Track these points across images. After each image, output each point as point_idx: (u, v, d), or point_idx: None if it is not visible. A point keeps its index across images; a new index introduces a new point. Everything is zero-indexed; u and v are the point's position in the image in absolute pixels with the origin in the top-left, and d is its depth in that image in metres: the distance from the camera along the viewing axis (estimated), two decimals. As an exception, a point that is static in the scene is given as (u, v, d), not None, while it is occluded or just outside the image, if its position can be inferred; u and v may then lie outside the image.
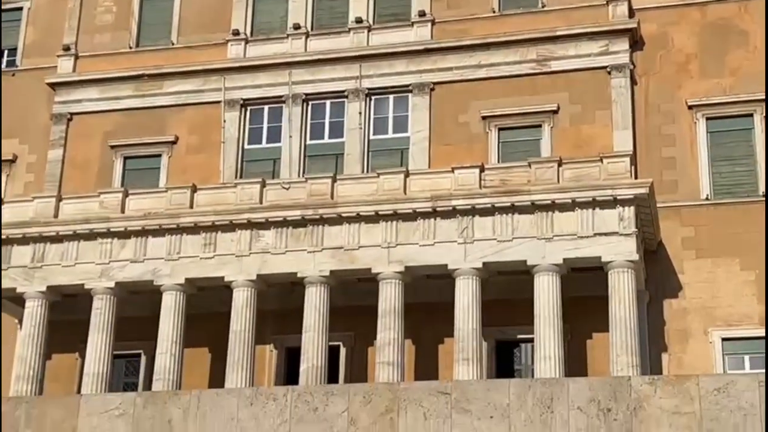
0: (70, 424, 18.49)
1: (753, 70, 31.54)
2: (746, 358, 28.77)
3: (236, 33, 36.10)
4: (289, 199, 30.35)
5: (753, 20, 31.78)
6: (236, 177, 33.65)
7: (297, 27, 35.98)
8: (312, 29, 36.35)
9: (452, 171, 29.58)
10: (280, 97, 34.64)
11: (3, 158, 37.37)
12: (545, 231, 27.74)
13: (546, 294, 27.32)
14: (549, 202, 27.67)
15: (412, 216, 28.66)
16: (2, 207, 32.69)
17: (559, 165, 28.61)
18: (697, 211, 30.75)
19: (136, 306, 30.90)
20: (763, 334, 28.62)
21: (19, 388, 29.91)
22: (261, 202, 29.99)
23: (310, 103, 34.71)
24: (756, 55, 31.78)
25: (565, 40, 33.04)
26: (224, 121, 34.91)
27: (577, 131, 32.27)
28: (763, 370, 25.60)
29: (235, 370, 28.44)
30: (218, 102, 34.90)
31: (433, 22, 34.79)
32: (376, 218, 28.74)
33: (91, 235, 30.67)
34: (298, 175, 32.91)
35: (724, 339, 29.23)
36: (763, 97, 30.92)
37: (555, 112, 32.27)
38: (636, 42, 32.46)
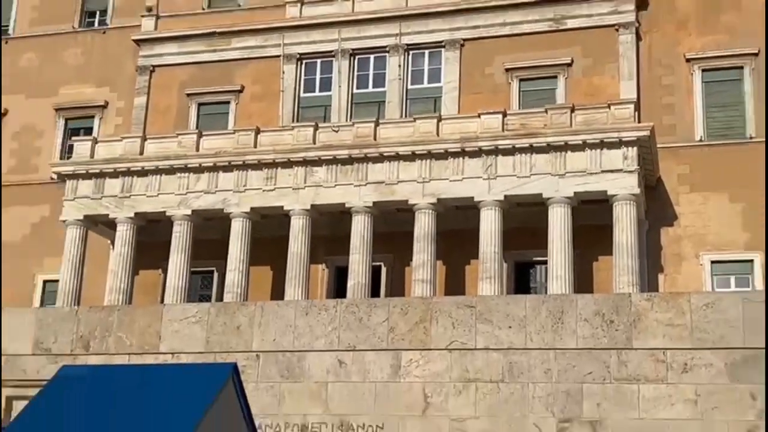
0: (155, 329, 19.32)
1: (744, 28, 31.94)
2: (732, 278, 29.75)
3: None
4: (339, 141, 31.39)
5: (744, -15, 31.84)
6: (293, 121, 34.17)
7: (345, -11, 35.16)
8: (358, -8, 36.51)
9: (479, 116, 30.52)
10: (331, 51, 35.35)
11: (96, 104, 38.32)
12: (559, 168, 28.90)
13: (558, 223, 28.44)
14: (562, 143, 28.90)
15: (444, 155, 29.95)
16: (95, 146, 33.72)
17: (572, 111, 29.53)
18: (692, 152, 31.56)
19: (209, 230, 32.12)
20: (747, 258, 29.88)
21: (111, 298, 31.51)
22: (314, 143, 31.10)
23: (356, 57, 35.42)
24: (747, 15, 32.03)
25: (579, 1, 33.40)
26: (283, 72, 35.72)
27: (588, 82, 32.99)
28: (748, 288, 27.31)
29: (292, 285, 29.75)
30: (278, 56, 35.66)
31: None
32: (412, 157, 29.96)
33: (171, 170, 32.01)
34: (346, 120, 33.47)
35: (713, 262, 30.09)
36: (753, 51, 31.52)
37: (569, 65, 33.01)
38: (642, 3, 32.71)
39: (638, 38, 32.60)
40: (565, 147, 28.67)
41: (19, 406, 17.71)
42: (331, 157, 30.61)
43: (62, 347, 19.53)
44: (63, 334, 19.87)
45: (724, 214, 30.38)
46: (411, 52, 35.08)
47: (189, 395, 7.88)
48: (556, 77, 33.16)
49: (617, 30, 32.72)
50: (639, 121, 29.49)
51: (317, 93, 35.90)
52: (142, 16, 38.18)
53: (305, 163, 30.90)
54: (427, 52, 34.95)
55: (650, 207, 30.60)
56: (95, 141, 33.89)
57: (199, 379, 8.51)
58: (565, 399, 16.63)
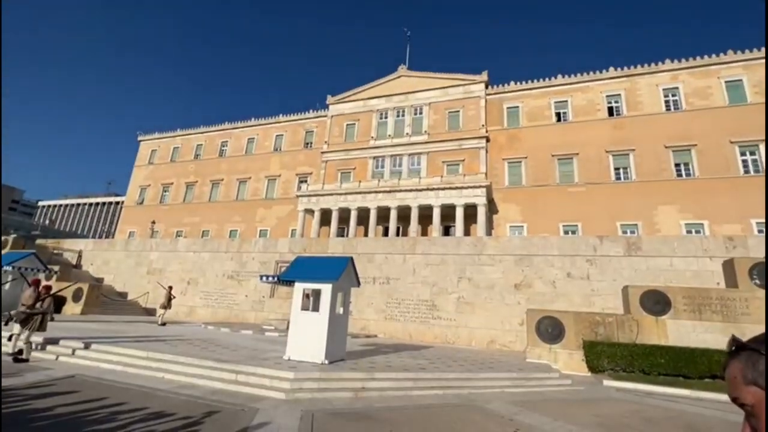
0: (326, 246, 19.68)
1: (521, 149, 28.88)
2: (516, 232, 28.37)
3: (372, 137, 35.70)
4: (385, 185, 28.83)
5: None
6: (371, 178, 31.82)
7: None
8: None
9: (440, 178, 29.02)
10: (383, 155, 32.80)
11: (308, 173, 35.73)
12: (458, 196, 27.31)
13: (459, 214, 26.97)
14: (461, 185, 27.20)
15: (424, 190, 27.94)
16: (307, 186, 31.33)
17: (464, 176, 27.75)
18: (506, 190, 28.89)
19: (344, 214, 30.36)
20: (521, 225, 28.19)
21: (312, 236, 29.86)
22: (378, 185, 29.29)
23: (393, 157, 32.22)
24: (522, 144, 29.13)
25: (464, 139, 30.74)
26: (368, 162, 33.53)
27: (470, 166, 29.92)
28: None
29: (371, 233, 28.07)
30: (366, 157, 33.64)
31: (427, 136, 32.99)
32: (411, 191, 28.16)
33: (331, 194, 30.07)
34: (389, 179, 30.72)
35: (510, 226, 28.50)
36: (525, 156, 28.60)
37: (463, 160, 30.22)
38: (488, 140, 30.14)
39: (486, 151, 30.25)
40: (462, 187, 27.45)
41: (283, 268, 19.81)
42: (383, 190, 29.41)
43: (297, 250, 20.21)
44: (298, 246, 20.65)
45: (513, 211, 28.53)
46: (411, 156, 32.43)
47: (338, 263, 9.15)
48: (459, 164, 30.63)
49: (479, 149, 30.36)
50: (486, 179, 27.94)
51: (379, 169, 33.07)
52: (324, 144, 35.57)
53: (375, 192, 29.70)
54: (416, 156, 32.19)
55: (490, 207, 28.82)
56: (308, 185, 32.37)
57: (341, 260, 9.46)
58: (460, 271, 16.56)
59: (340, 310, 9.23)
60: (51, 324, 12.90)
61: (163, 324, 16.93)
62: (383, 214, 30.34)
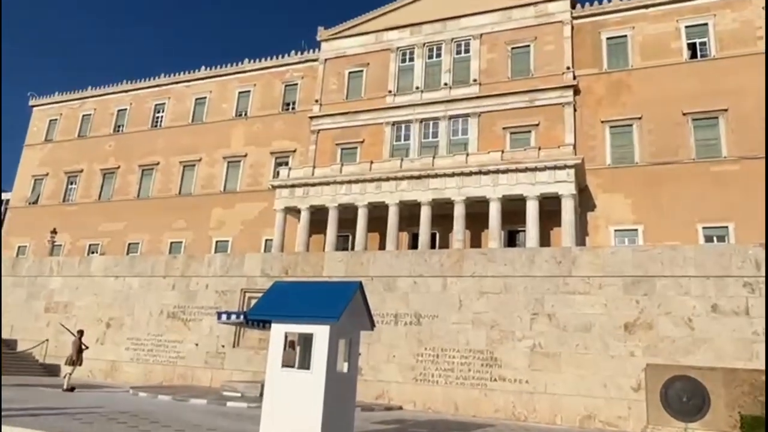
0: (320, 264, 20.76)
1: (632, 103, 29.78)
2: (626, 239, 28.33)
3: (390, 92, 36.01)
4: (413, 167, 30.79)
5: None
6: (390, 157, 33.75)
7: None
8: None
9: (488, 153, 29.98)
10: (410, 120, 34.91)
11: (290, 150, 38.48)
12: (531, 180, 28.09)
13: (531, 210, 27.76)
14: (533, 166, 28.03)
15: (469, 174, 29.29)
16: (290, 171, 33.52)
17: (539, 149, 28.84)
18: (603, 170, 30.13)
19: (347, 213, 32.12)
20: (634, 228, 28.27)
21: (298, 248, 31.91)
22: (401, 168, 30.89)
23: (422, 122, 34.72)
24: (635, 95, 30.12)
25: (541, 91, 32.01)
26: (384, 131, 35.19)
27: (547, 134, 31.49)
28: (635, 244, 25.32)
29: (389, 243, 30.07)
30: (381, 123, 35.69)
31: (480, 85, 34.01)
32: (452, 175, 29.56)
33: (327, 183, 32.45)
34: (418, 156, 32.97)
35: (615, 230, 29.04)
36: (638, 116, 29.45)
37: (537, 125, 31.85)
38: (576, 90, 31.75)
39: (575, 110, 31.63)
40: (535, 169, 28.17)
41: (253, 301, 20.63)
42: (409, 176, 30.59)
43: (274, 272, 21.39)
44: (275, 266, 21.75)
45: (621, 205, 29.41)
46: (452, 120, 34.41)
47: (340, 293, 9.16)
48: (530, 131, 32.12)
49: (563, 106, 31.79)
50: (575, 155, 28.89)
51: (402, 142, 35.33)
52: (313, 105, 38.61)
53: (396, 179, 30.93)
54: (460, 119, 34.15)
55: (581, 200, 29.76)
56: (290, 169, 34.89)
57: (344, 286, 9.68)
58: (535, 302, 17.22)
59: (345, 367, 9.44)
60: None
61: (71, 389, 17.33)
62: (409, 212, 31.29)
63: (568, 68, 32.30)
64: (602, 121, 31.10)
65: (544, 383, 16.40)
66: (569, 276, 17.07)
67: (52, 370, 23.62)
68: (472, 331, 17.67)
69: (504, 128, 32.76)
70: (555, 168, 28.00)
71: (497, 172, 28.96)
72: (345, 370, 9.52)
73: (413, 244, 31.48)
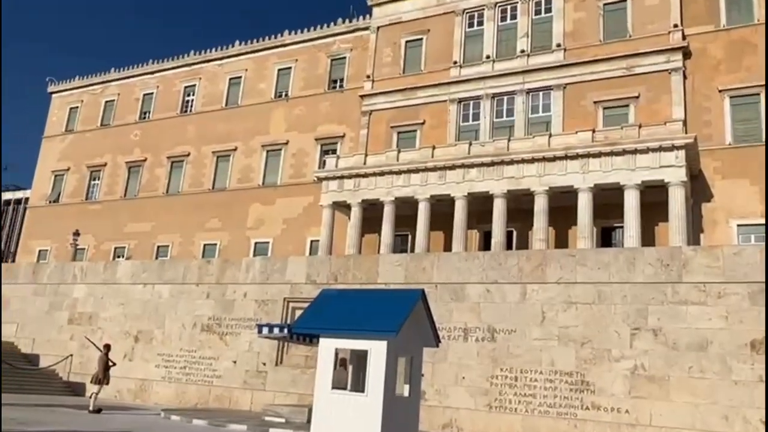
0: (375, 269, 21.18)
1: (758, 66, 29.66)
2: (752, 236, 28.10)
3: (455, 63, 36.56)
4: (485, 152, 30.92)
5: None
6: (456, 141, 34.12)
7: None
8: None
9: (576, 133, 29.92)
10: (479, 96, 35.25)
11: (338, 135, 39.61)
12: (631, 165, 27.97)
13: (631, 201, 27.66)
14: (633, 148, 27.86)
15: (552, 159, 29.38)
16: (338, 160, 34.62)
17: (639, 127, 28.59)
18: (723, 152, 29.86)
19: (405, 209, 32.48)
20: (762, 222, 27.76)
21: (349, 251, 32.84)
22: (469, 154, 31.13)
23: (495, 98, 34.97)
24: (761, 57, 29.68)
25: (642, 55, 31.96)
26: (449, 110, 36.14)
27: (650, 108, 31.24)
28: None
29: (456, 243, 30.25)
30: (445, 101, 36.09)
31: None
32: (532, 161, 29.59)
33: (382, 174, 32.92)
34: (489, 139, 33.19)
35: (738, 225, 28.72)
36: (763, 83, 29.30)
37: (637, 97, 31.76)
38: (687, 53, 31.43)
39: (684, 77, 31.25)
40: (635, 151, 27.84)
41: (297, 312, 20.47)
42: (480, 162, 30.69)
43: (322, 279, 21.85)
44: (322, 271, 22.18)
45: (745, 193, 28.88)
46: (530, 94, 34.57)
47: (399, 303, 9.23)
48: (628, 106, 31.87)
49: (670, 73, 31.45)
50: (686, 133, 28.56)
51: (470, 122, 35.64)
52: (364, 81, 39.36)
53: (463, 166, 31.11)
54: (541, 93, 34.30)
55: (694, 189, 29.36)
56: (338, 157, 35.63)
57: (403, 295, 9.91)
58: (636, 314, 16.92)
59: (405, 390, 9.47)
60: None
61: (97, 411, 17.92)
62: (480, 206, 31.41)
63: (676, 26, 32.00)
64: (720, 90, 30.64)
65: (648, 413, 16.11)
66: (679, 282, 16.86)
67: (77, 389, 24.77)
68: (557, 349, 17.64)
69: (595, 102, 32.60)
70: (660, 150, 27.68)
71: (587, 156, 28.85)
72: (406, 393, 9.54)
73: (485, 244, 31.58)
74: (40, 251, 49.69)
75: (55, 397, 22.71)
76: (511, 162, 30.26)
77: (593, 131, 29.77)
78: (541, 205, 29.44)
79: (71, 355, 25.90)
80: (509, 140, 31.31)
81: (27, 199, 56.25)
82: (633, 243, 26.88)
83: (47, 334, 27.64)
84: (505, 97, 35.10)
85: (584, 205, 28.57)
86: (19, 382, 23.28)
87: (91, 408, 18.16)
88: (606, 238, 30.43)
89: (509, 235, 31.07)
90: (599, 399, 16.68)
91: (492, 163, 30.65)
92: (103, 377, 18.78)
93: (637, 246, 25.59)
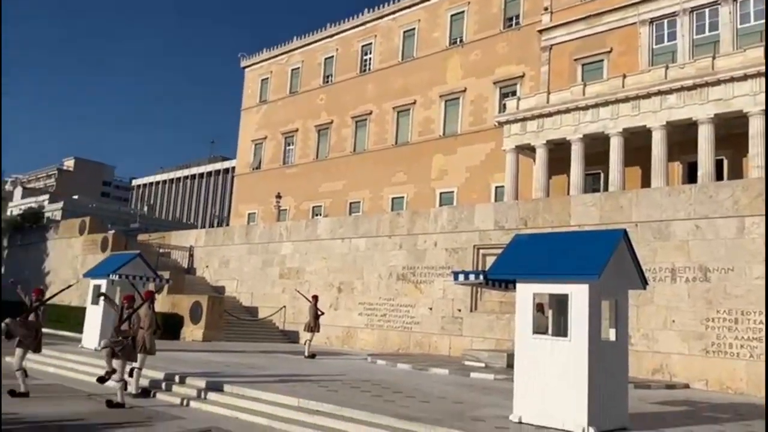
0: (567, 211, 20.94)
1: None
2: None
3: None
4: (684, 74, 28.84)
5: None
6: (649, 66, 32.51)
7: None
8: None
9: None
10: (674, 12, 33.02)
11: (517, 76, 38.69)
12: None
13: None
14: None
15: None
16: (519, 102, 34.01)
17: None
18: None
19: (595, 146, 31.51)
20: None
21: (536, 194, 32.04)
22: (666, 78, 29.24)
23: (694, 12, 32.77)
24: None
25: None
26: (639, 33, 34.25)
27: None
28: None
29: (656, 177, 29.02)
30: (634, 23, 34.34)
31: None
32: (744, 78, 27.04)
33: (567, 111, 31.83)
34: (689, 59, 31.09)
35: None
36: None
37: None
38: None
39: None
40: None
41: (488, 259, 21.63)
42: (679, 87, 28.61)
43: (510, 224, 22.03)
44: (510, 217, 22.44)
45: None
46: (738, 2, 31.32)
47: (599, 244, 9.39)
48: None
49: None
50: None
51: (666, 43, 33.60)
52: (542, 14, 38.32)
53: (660, 93, 29.17)
54: (748, 2, 30.85)
55: None
56: (518, 99, 35.04)
57: (603, 235, 10.04)
58: None
59: (611, 335, 9.47)
60: (168, 355, 16.30)
61: (312, 356, 19.94)
62: (681, 135, 29.95)
63: None
64: None
65: None
66: None
67: (292, 337, 27.85)
68: (785, 289, 16.32)
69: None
70: None
71: None
72: (612, 338, 9.55)
73: (690, 176, 30.25)
74: (249, 214, 55.22)
75: (275, 344, 25.67)
76: (718, 82, 27.92)
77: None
78: (756, 127, 27.02)
79: (284, 307, 28.83)
80: (714, 58, 28.83)
81: (233, 168, 62.25)
82: None
83: (262, 288, 31.15)
84: (707, 9, 32.47)
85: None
86: (243, 331, 27.00)
87: (306, 354, 20.14)
88: None
89: (719, 164, 29.20)
90: (840, 343, 15.69)
91: (694, 86, 28.55)
92: (314, 326, 20.71)
93: None
